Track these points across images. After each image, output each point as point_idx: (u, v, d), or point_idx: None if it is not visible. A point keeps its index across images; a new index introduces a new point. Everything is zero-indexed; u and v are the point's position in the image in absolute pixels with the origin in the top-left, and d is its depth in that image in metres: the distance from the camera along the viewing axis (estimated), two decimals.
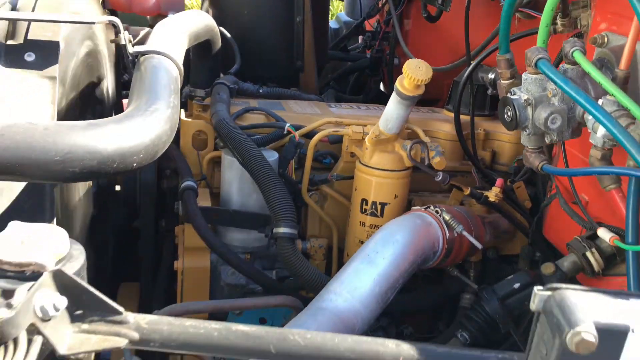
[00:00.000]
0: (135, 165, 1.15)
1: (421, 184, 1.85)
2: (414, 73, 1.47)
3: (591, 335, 0.56)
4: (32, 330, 0.65)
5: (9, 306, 0.64)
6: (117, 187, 2.28)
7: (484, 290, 1.45)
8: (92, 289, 0.69)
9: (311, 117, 1.92)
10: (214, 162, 1.86)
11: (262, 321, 1.70)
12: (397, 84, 1.53)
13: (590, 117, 1.15)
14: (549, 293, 0.62)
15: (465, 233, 1.51)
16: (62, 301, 0.66)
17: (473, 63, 1.71)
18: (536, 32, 1.31)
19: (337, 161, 1.81)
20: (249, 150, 1.59)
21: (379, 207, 1.65)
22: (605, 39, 1.27)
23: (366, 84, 3.01)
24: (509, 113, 1.27)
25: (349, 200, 1.77)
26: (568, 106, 1.22)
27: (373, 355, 0.69)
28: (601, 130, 1.12)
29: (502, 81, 1.37)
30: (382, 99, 2.44)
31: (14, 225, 1.00)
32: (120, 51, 2.40)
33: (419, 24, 2.56)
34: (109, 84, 2.14)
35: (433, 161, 1.63)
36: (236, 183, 1.70)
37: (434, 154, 1.64)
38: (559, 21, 1.45)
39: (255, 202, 1.70)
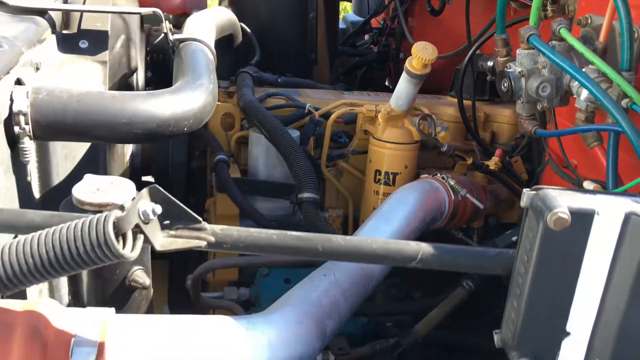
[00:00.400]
0: (186, 129, 1.34)
1: (428, 162, 2.05)
2: (422, 53, 1.66)
3: (565, 214, 0.75)
4: (136, 231, 0.84)
5: (122, 209, 0.83)
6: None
7: (485, 244, 1.63)
8: (178, 202, 0.88)
9: (327, 101, 2.11)
10: (240, 143, 2.05)
11: (286, 281, 1.88)
12: (406, 64, 1.72)
13: (575, 83, 1.35)
14: (534, 192, 0.81)
15: (468, 195, 1.70)
16: (158, 208, 0.85)
17: (473, 47, 1.90)
18: (528, 18, 1.51)
19: (352, 139, 2.01)
20: (274, 126, 1.78)
21: (391, 176, 1.84)
22: (589, 20, 1.46)
23: (373, 78, 3.21)
24: (505, 84, 1.47)
25: (363, 174, 1.96)
26: (556, 76, 1.41)
27: (399, 251, 0.88)
28: (584, 94, 1.31)
29: (499, 58, 1.56)
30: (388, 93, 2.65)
31: (89, 177, 1.20)
32: (145, 48, 2.61)
33: (422, 19, 2.76)
34: (139, 75, 2.34)
35: (439, 135, 1.83)
36: (262, 157, 1.89)
37: (439, 129, 1.83)
38: (549, 7, 1.64)
39: (280, 174, 1.89)
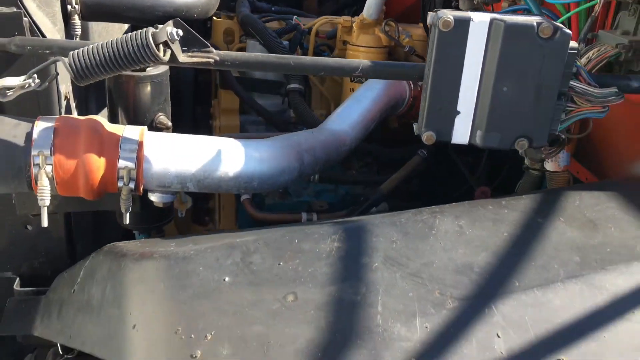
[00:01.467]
0: (195, 15, 1.73)
1: None
2: None
3: (449, 18, 1.13)
4: (165, 48, 1.23)
5: (156, 27, 1.21)
6: None
7: None
8: (194, 32, 1.27)
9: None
10: None
11: None
12: None
13: None
14: (434, 12, 1.19)
15: None
16: (180, 32, 1.23)
17: None
18: None
19: (333, 51, 2.39)
20: (267, 33, 2.17)
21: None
22: None
23: None
24: None
25: (342, 79, 2.34)
26: None
27: (347, 65, 1.27)
28: None
29: None
30: None
31: None
32: None
33: None
34: None
35: (403, 41, 2.21)
36: None
37: (404, 37, 2.22)
38: None
39: (272, 76, 2.28)
